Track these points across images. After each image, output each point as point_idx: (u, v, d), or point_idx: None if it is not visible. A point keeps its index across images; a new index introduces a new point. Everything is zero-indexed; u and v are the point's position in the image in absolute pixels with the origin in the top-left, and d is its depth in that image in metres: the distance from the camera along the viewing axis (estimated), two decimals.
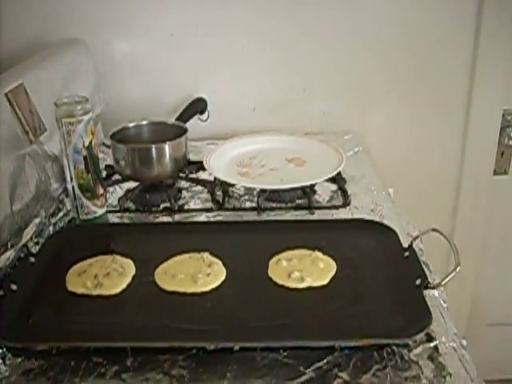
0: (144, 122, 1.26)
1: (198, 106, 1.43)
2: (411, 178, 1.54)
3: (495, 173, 1.62)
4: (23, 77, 1.03)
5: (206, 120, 1.45)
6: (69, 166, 1.02)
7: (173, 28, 1.44)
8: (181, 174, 1.25)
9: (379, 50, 1.46)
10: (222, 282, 0.85)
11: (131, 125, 1.25)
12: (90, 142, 1.02)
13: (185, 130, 1.23)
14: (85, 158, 1.02)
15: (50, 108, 1.03)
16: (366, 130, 1.50)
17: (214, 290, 0.84)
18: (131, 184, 1.23)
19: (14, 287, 0.83)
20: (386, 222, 1.01)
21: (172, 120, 1.32)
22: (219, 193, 1.19)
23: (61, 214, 1.10)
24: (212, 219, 1.09)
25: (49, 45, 1.33)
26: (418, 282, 0.82)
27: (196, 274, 0.86)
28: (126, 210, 1.15)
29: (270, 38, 1.45)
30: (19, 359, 0.75)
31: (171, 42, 1.45)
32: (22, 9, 1.37)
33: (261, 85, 1.49)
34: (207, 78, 1.48)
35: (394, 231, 0.95)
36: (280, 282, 0.85)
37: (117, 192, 1.23)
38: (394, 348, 0.74)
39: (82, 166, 1.02)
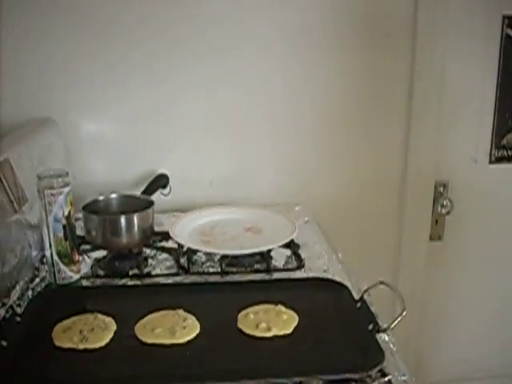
0: (113, 196, 1.37)
1: (160, 182, 1.55)
2: (355, 242, 1.68)
3: (431, 238, 1.80)
4: (7, 152, 1.13)
5: (168, 194, 1.56)
6: (48, 234, 1.11)
7: (135, 110, 1.58)
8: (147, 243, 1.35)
9: (322, 125, 1.64)
10: (198, 334, 0.94)
11: (101, 198, 1.35)
12: (69, 212, 1.12)
13: (151, 203, 1.34)
14: (64, 226, 1.11)
15: (29, 181, 1.13)
16: (313, 201, 1.64)
17: (190, 341, 0.93)
18: (99, 253, 1.31)
19: (4, 343, 0.89)
20: (338, 279, 1.13)
21: (138, 194, 1.43)
22: (183, 260, 1.29)
23: (37, 280, 1.16)
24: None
25: (22, 123, 1.44)
26: (371, 327, 0.94)
27: (173, 327, 0.95)
28: (98, 276, 1.23)
29: (225, 120, 1.61)
30: None
31: (134, 123, 1.59)
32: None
33: (216, 162, 1.64)
34: (168, 155, 1.61)
35: (346, 286, 1.08)
36: (249, 332, 0.95)
37: (85, 261, 1.30)
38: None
39: (61, 234, 1.11)
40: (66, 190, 1.11)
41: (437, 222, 1.81)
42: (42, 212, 1.10)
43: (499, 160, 1.79)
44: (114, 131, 1.59)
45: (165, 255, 1.32)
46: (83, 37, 1.51)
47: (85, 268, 1.25)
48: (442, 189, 1.77)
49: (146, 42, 1.52)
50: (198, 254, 1.31)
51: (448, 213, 1.80)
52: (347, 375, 0.84)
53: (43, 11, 1.47)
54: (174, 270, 1.25)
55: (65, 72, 1.52)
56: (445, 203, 1.78)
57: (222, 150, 1.63)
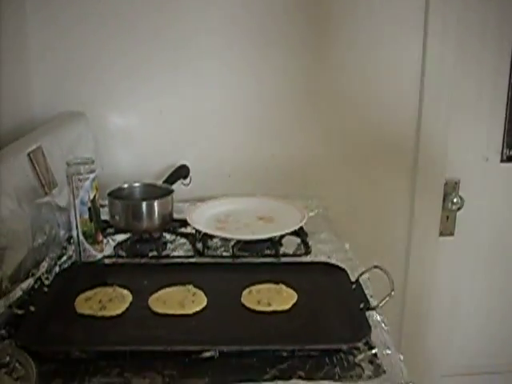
0: (136, 184, 1.48)
1: (181, 172, 1.65)
2: (366, 237, 1.75)
3: (442, 234, 1.86)
4: (40, 141, 1.25)
5: (188, 184, 1.66)
6: (75, 216, 1.22)
7: (159, 105, 1.69)
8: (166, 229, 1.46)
9: (337, 125, 1.73)
10: (204, 307, 1.04)
11: (125, 185, 1.46)
12: (95, 196, 1.23)
13: (171, 191, 1.44)
14: (89, 208, 1.23)
15: (59, 168, 1.25)
16: (327, 196, 1.72)
17: (197, 312, 1.03)
18: (122, 236, 1.42)
19: (32, 308, 1.01)
20: (339, 264, 1.22)
21: (160, 182, 1.54)
22: (199, 245, 1.39)
23: (64, 257, 1.28)
24: None
25: (54, 116, 1.57)
26: (362, 305, 1.02)
27: (183, 300, 1.05)
28: (120, 256, 1.34)
29: (242, 115, 1.72)
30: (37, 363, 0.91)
31: (159, 117, 1.70)
32: (33, 84, 1.62)
33: (235, 155, 1.74)
34: (189, 148, 1.72)
35: (344, 270, 1.17)
36: (251, 306, 1.05)
37: (109, 244, 1.41)
38: (342, 355, 0.93)
39: (87, 216, 1.23)
40: (92, 176, 1.22)
41: (448, 218, 1.87)
42: (69, 195, 1.21)
43: (510, 159, 1.85)
44: (139, 125, 1.71)
45: (183, 240, 1.42)
46: (113, 35, 1.63)
47: (108, 249, 1.35)
48: (453, 186, 1.83)
49: (168, 43, 1.64)
50: (214, 240, 1.41)
51: (459, 209, 1.86)
52: (336, 345, 0.92)
53: (75, 8, 1.60)
54: (190, 254, 1.35)
55: (94, 68, 1.64)
56: (455, 200, 1.84)
57: (240, 143, 1.73)
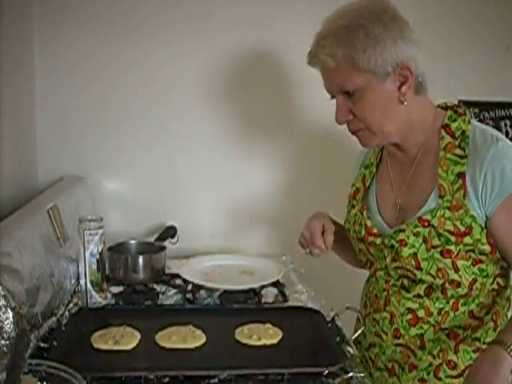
0: (133, 241, 1.67)
1: (169, 232, 1.84)
2: (335, 286, 1.93)
3: None
4: (56, 200, 1.43)
5: (176, 243, 1.85)
6: (85, 266, 1.39)
7: (148, 172, 1.91)
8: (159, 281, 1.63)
9: (310, 186, 1.96)
10: (204, 342, 1.21)
11: (124, 242, 1.65)
12: (102, 249, 1.41)
13: (164, 248, 1.64)
14: (97, 260, 1.40)
15: (69, 223, 1.43)
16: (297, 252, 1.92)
17: (198, 347, 1.20)
18: (119, 288, 1.58)
19: (55, 343, 1.16)
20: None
21: (153, 241, 1.72)
22: (189, 295, 1.56)
23: (71, 305, 1.43)
24: None
25: (56, 179, 1.76)
26: (338, 339, 1.22)
27: (185, 337, 1.22)
28: (118, 304, 1.50)
29: (224, 183, 1.93)
30: None
31: (147, 183, 1.91)
32: (43, 154, 1.81)
33: (216, 217, 1.94)
34: (176, 210, 1.92)
35: (320, 313, 1.36)
36: (244, 341, 1.22)
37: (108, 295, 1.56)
38: (323, 379, 1.11)
39: (95, 267, 1.40)
40: (101, 231, 1.40)
41: None
42: (80, 248, 1.38)
43: None
44: (129, 189, 1.91)
45: (174, 291, 1.60)
46: (109, 110, 1.85)
47: (108, 299, 1.51)
48: None
49: (157, 118, 1.89)
50: (201, 292, 1.58)
51: None
52: (318, 369, 1.11)
53: (75, 86, 1.83)
54: (181, 302, 1.53)
55: (90, 140, 1.87)
56: None
57: (222, 207, 1.94)
